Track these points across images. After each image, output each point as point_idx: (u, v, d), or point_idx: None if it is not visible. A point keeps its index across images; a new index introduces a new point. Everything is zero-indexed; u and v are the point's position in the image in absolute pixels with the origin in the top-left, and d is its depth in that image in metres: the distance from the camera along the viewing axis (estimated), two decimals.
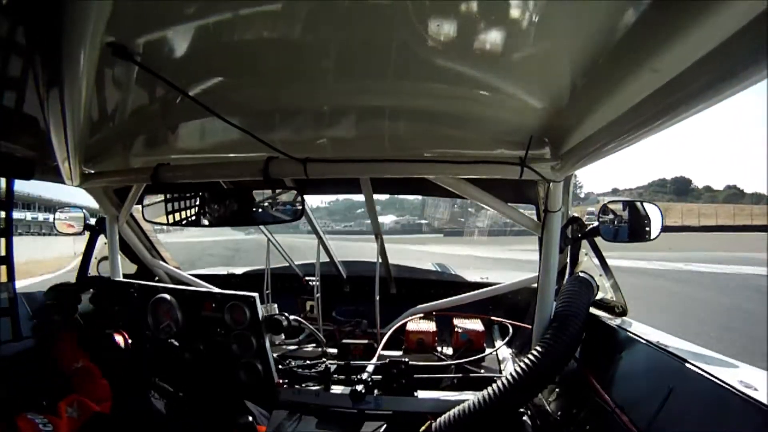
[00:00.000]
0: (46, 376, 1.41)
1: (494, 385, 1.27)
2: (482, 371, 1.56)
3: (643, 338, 1.19)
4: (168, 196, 1.47)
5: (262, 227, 2.01)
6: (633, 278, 10.01)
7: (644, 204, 1.40)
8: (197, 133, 1.30)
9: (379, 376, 1.44)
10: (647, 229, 1.37)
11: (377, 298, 1.83)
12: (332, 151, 1.35)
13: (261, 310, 1.49)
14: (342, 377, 1.49)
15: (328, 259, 2.23)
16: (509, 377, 1.28)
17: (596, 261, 1.55)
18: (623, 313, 1.44)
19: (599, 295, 1.53)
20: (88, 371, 1.40)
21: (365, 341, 1.68)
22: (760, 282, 9.81)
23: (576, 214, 1.57)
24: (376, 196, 1.89)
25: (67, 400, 1.27)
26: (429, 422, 1.32)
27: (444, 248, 23.92)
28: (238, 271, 2.54)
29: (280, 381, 1.50)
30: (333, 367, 1.51)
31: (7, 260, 1.59)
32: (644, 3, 0.60)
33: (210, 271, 2.68)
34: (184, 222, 1.47)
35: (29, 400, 1.26)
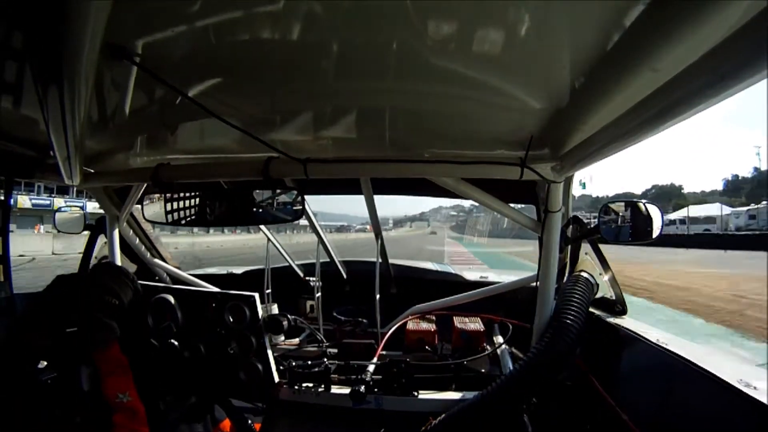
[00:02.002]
0: (78, 398, 1.15)
1: (494, 384, 1.27)
2: (482, 370, 1.56)
3: (643, 337, 1.19)
4: (168, 195, 1.47)
5: (261, 227, 2.01)
6: None
7: (646, 204, 1.40)
8: (197, 133, 1.30)
9: (380, 376, 1.44)
10: (648, 229, 1.37)
11: (377, 297, 1.83)
12: (332, 151, 1.35)
13: (261, 310, 1.49)
14: (342, 377, 1.49)
15: (328, 259, 2.23)
16: (509, 376, 1.28)
17: (596, 260, 1.55)
18: (623, 311, 1.44)
19: (599, 294, 1.53)
20: (136, 412, 1.13)
21: (365, 341, 1.68)
22: None
23: (576, 214, 1.57)
24: None
25: None
26: (430, 422, 1.32)
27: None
28: (238, 270, 2.54)
29: (280, 381, 1.50)
30: (333, 367, 1.51)
31: (4, 259, 1.58)
32: (644, 2, 0.59)
33: (210, 270, 2.68)
34: (183, 221, 1.47)
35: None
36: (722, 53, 0.57)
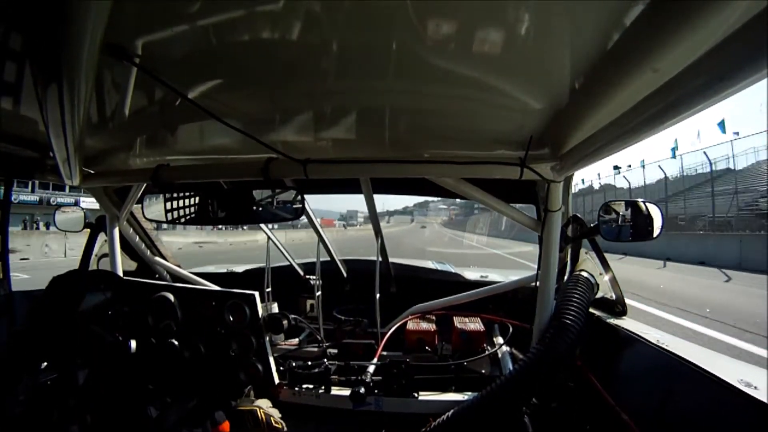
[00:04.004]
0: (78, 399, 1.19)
1: (494, 384, 1.27)
2: (483, 371, 1.56)
3: (642, 337, 1.20)
4: (168, 195, 1.47)
5: (262, 226, 2.01)
6: None
7: (646, 203, 1.40)
8: (197, 134, 1.29)
9: (380, 377, 1.44)
10: (649, 228, 1.37)
11: (377, 296, 1.83)
12: (332, 151, 1.35)
13: (261, 309, 1.49)
14: (342, 378, 1.49)
15: (328, 258, 2.23)
16: (508, 376, 1.28)
17: (597, 260, 1.55)
18: (623, 312, 1.44)
19: (599, 294, 1.53)
20: None
21: (366, 341, 1.68)
22: None
23: (577, 214, 1.57)
24: None
25: None
26: (430, 423, 1.33)
27: None
28: (239, 269, 2.54)
29: (281, 382, 1.50)
30: (333, 368, 1.51)
31: (3, 257, 1.58)
32: (644, 2, 0.59)
33: (210, 269, 2.68)
34: (183, 221, 1.47)
35: None
36: (722, 53, 0.56)
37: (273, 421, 1.21)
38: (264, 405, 1.30)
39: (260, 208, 1.41)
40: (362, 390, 1.37)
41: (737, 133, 18.88)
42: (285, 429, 1.22)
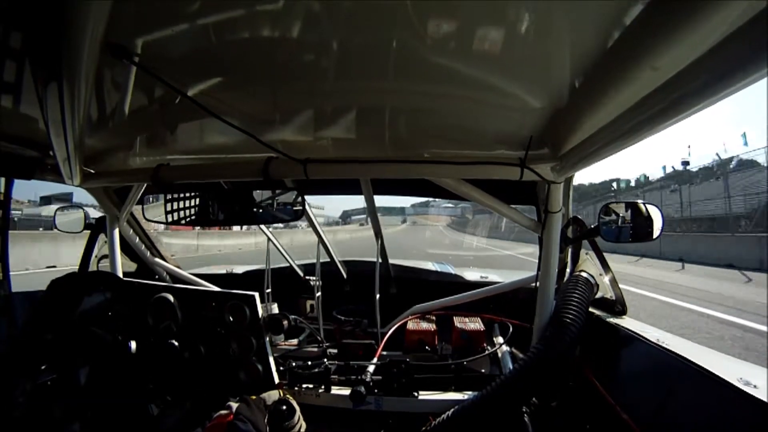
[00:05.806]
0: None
1: (494, 383, 1.27)
2: (483, 371, 1.56)
3: (642, 337, 1.20)
4: (168, 195, 1.47)
5: (262, 227, 2.01)
6: None
7: (646, 205, 1.40)
8: (197, 133, 1.29)
9: (380, 377, 1.44)
10: (649, 230, 1.37)
11: (377, 297, 1.83)
12: (332, 151, 1.35)
13: (261, 310, 1.49)
14: (342, 377, 1.49)
15: (328, 259, 2.23)
16: (508, 375, 1.28)
17: (597, 260, 1.55)
18: (623, 312, 1.45)
19: (599, 294, 1.53)
20: None
21: (365, 341, 1.68)
22: None
23: (577, 215, 1.57)
24: None
25: None
26: (430, 422, 1.33)
27: None
28: (239, 270, 2.54)
29: (281, 382, 1.50)
30: (333, 368, 1.51)
31: (3, 258, 1.58)
32: (644, 2, 0.59)
33: (210, 270, 2.68)
34: (183, 221, 1.47)
35: None
36: (722, 53, 0.56)
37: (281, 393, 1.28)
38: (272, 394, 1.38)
39: (260, 209, 1.41)
40: (362, 389, 1.37)
41: None
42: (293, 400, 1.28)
